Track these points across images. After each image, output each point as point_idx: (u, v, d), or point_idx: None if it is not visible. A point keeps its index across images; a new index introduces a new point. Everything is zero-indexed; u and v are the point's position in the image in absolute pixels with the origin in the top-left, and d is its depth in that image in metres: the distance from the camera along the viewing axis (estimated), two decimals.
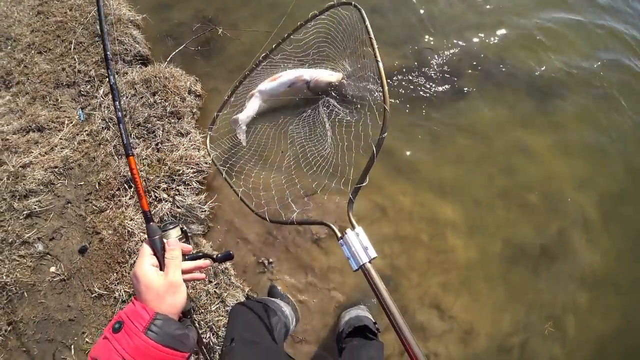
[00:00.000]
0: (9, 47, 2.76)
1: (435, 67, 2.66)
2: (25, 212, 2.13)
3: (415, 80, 2.61)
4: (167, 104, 2.35)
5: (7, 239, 2.08)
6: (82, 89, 2.53)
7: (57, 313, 1.98)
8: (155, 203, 2.15)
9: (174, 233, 0.83)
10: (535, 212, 2.26)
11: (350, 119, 2.24)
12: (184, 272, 0.76)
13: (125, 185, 2.18)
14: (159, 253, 0.74)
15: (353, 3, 1.48)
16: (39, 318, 1.98)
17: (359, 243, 0.89)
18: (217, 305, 1.98)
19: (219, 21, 2.95)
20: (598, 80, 2.66)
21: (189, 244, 0.87)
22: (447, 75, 2.63)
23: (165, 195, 2.16)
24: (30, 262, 2.07)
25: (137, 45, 2.72)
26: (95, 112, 2.43)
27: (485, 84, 2.61)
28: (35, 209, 2.15)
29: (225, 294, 2.03)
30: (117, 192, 2.16)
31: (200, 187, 2.30)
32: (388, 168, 2.35)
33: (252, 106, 2.42)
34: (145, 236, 0.88)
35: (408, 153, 2.40)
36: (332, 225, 1.01)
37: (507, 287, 2.11)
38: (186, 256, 0.84)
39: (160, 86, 2.38)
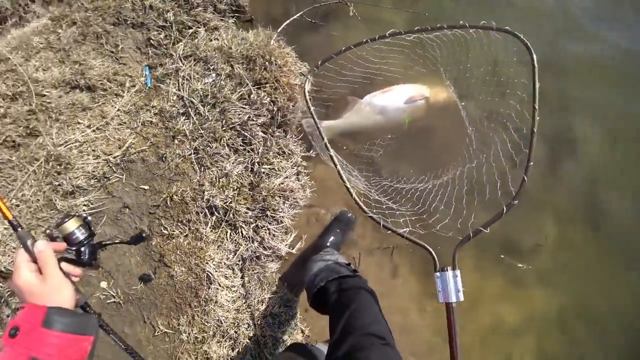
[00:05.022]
0: None
1: None
2: (72, 213, 1.59)
3: None
4: (274, 108, 1.69)
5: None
6: (152, 37, 1.78)
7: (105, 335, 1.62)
8: (240, 241, 1.67)
9: (72, 225, 0.83)
10: None
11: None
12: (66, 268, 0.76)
13: (207, 210, 1.64)
14: (35, 256, 0.71)
15: (523, 38, 1.17)
16: None
17: (454, 284, 0.99)
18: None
19: None
20: None
21: (92, 233, 0.87)
22: None
23: (252, 233, 1.67)
24: None
25: None
26: (168, 80, 1.74)
27: None
28: (83, 210, 1.62)
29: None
30: (194, 218, 1.64)
31: (290, 222, 1.80)
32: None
33: (348, 118, 1.87)
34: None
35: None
36: (435, 256, 1.05)
37: None
38: (84, 249, 0.84)
39: (270, 77, 1.68)
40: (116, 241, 0.98)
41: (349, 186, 1.21)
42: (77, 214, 0.91)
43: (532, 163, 1.07)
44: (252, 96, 1.68)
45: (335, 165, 1.26)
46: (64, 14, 1.76)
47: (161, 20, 1.78)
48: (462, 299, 0.99)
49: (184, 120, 1.67)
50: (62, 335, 0.62)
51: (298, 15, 1.96)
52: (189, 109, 1.67)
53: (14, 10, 1.81)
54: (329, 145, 1.27)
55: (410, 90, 1.89)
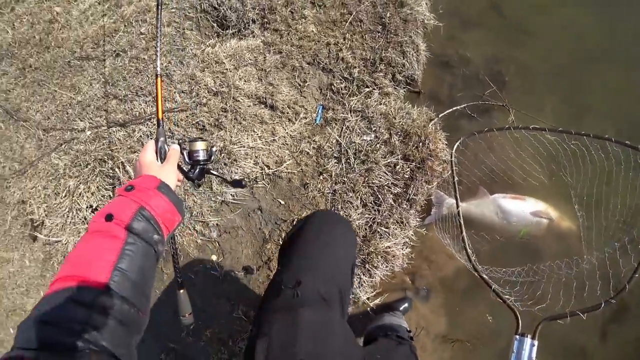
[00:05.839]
0: None
1: None
2: (219, 198, 1.93)
3: None
4: (411, 184, 1.89)
5: (192, 209, 1.95)
6: (334, 84, 2.09)
7: (195, 295, 1.89)
8: None
9: (200, 145, 1.00)
10: None
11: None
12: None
13: None
14: (159, 151, 0.90)
15: None
16: None
17: (529, 352, 1.01)
18: None
19: (510, 88, 2.25)
20: None
21: (209, 159, 1.02)
22: None
23: None
24: (200, 240, 1.96)
25: (415, 65, 2.15)
26: (334, 124, 2.02)
27: None
28: (228, 199, 1.94)
29: None
30: None
31: (379, 280, 1.97)
32: None
33: (471, 206, 1.98)
34: None
35: None
36: (519, 318, 1.10)
37: None
38: (197, 168, 1.01)
39: (418, 156, 1.89)
40: (221, 176, 1.17)
41: (467, 245, 1.38)
42: (209, 141, 1.16)
43: (637, 275, 1.11)
44: (397, 167, 1.90)
45: (462, 231, 1.45)
46: (275, 42, 2.13)
47: (346, 73, 2.08)
48: None
49: (334, 163, 1.94)
50: (167, 201, 0.72)
51: (461, 107, 2.15)
52: (342, 156, 1.93)
53: (237, 23, 2.23)
54: (461, 213, 1.46)
55: (539, 206, 1.94)
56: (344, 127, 1.98)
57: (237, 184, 1.13)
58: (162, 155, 0.90)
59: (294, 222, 1.13)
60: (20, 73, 2.57)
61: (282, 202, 1.95)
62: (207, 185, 1.95)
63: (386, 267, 1.92)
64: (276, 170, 1.95)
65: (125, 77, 2.18)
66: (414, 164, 1.90)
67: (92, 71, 2.29)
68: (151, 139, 0.97)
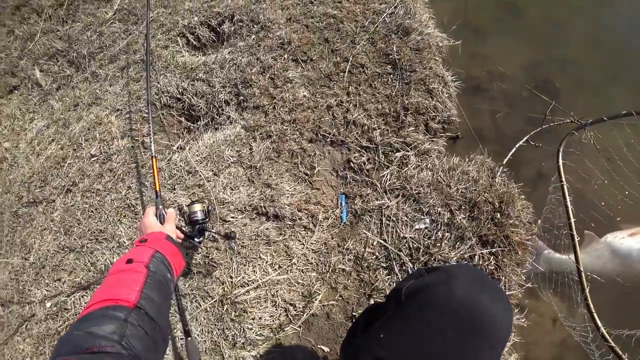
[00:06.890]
0: (253, 37, 1.77)
1: None
2: None
3: None
4: (499, 275, 1.26)
5: None
6: (352, 159, 1.50)
7: None
8: None
9: (197, 207, 1.22)
10: None
11: None
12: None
13: None
14: (158, 216, 1.09)
15: None
16: None
17: None
18: None
19: (568, 95, 1.66)
20: None
21: (210, 217, 1.27)
22: None
23: None
24: None
25: (448, 103, 1.57)
26: (369, 218, 1.41)
27: None
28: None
29: None
30: None
31: None
32: None
33: (584, 255, 1.45)
34: None
35: None
36: None
37: None
38: (196, 227, 1.23)
39: (499, 232, 1.26)
40: (215, 233, 1.30)
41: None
42: (205, 202, 1.27)
43: None
44: (474, 258, 1.26)
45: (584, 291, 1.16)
46: (259, 123, 1.59)
47: (364, 140, 1.51)
48: None
49: (385, 276, 1.31)
50: (175, 248, 0.91)
51: (523, 141, 1.54)
52: (393, 263, 1.31)
53: (207, 111, 1.70)
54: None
55: None
56: (384, 219, 1.37)
57: (228, 237, 1.28)
58: (161, 219, 1.08)
59: (426, 268, 0.71)
60: None
61: (326, 349, 1.32)
62: (217, 352, 1.35)
63: None
64: (305, 306, 1.33)
65: (79, 220, 1.64)
66: (495, 246, 1.27)
67: (41, 219, 1.78)
68: (150, 205, 1.14)
